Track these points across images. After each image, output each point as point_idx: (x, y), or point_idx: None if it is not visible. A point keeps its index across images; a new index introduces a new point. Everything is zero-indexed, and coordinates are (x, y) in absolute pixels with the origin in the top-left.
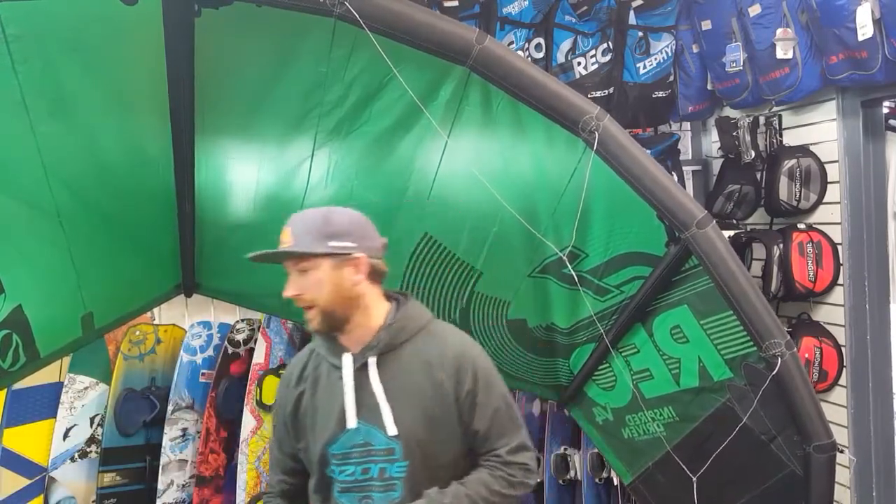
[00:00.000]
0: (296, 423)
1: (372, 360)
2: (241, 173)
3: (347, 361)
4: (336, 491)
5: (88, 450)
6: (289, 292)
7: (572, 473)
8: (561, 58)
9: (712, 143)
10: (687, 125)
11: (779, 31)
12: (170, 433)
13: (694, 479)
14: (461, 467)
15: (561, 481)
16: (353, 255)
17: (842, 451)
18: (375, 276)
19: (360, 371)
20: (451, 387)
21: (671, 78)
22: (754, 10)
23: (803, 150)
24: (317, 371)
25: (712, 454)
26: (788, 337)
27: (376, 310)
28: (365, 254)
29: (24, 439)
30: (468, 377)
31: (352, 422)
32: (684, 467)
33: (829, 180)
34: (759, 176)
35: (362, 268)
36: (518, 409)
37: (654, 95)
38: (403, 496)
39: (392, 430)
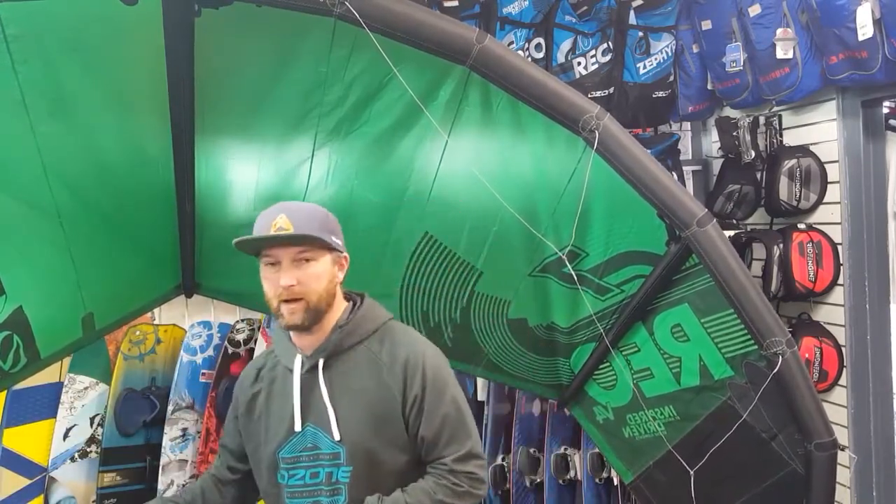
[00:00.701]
0: (248, 424)
1: (320, 363)
2: (241, 173)
3: (298, 363)
4: (285, 497)
5: (88, 450)
6: (287, 282)
7: (572, 473)
8: (561, 58)
9: (712, 143)
10: (687, 125)
11: (779, 31)
12: (170, 433)
13: (691, 472)
14: (408, 476)
15: (561, 481)
16: (344, 253)
17: (843, 450)
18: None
19: (311, 373)
20: (398, 391)
21: (671, 78)
22: (754, 10)
23: (803, 150)
24: (273, 372)
25: (713, 452)
26: (789, 335)
27: (337, 312)
28: (347, 255)
29: (25, 439)
30: (416, 381)
31: (298, 425)
32: (685, 464)
33: (829, 180)
34: (759, 176)
35: (345, 268)
36: (470, 414)
37: (654, 95)
38: (347, 502)
39: (336, 434)
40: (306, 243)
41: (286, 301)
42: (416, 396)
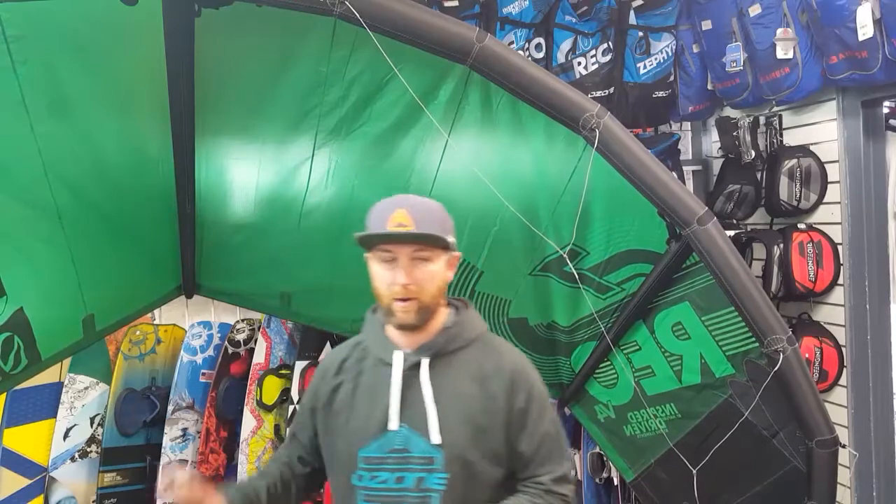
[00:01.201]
0: (326, 417)
1: (425, 362)
2: (241, 174)
3: (398, 359)
4: (360, 499)
5: (89, 450)
6: (406, 280)
7: (572, 473)
8: (561, 58)
9: (712, 143)
10: (687, 125)
11: (779, 31)
12: (170, 433)
13: (694, 471)
14: (501, 491)
15: None
16: (456, 253)
17: (843, 447)
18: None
19: (410, 372)
20: (503, 402)
21: (671, 78)
22: (754, 10)
23: (803, 150)
24: (360, 365)
25: (714, 450)
26: (790, 332)
27: (441, 313)
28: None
29: (25, 439)
30: (522, 395)
31: (394, 423)
32: (686, 462)
33: (829, 180)
34: (759, 176)
35: (454, 268)
36: (565, 436)
37: (654, 95)
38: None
39: (436, 437)
40: (426, 243)
41: (400, 299)
42: (521, 410)
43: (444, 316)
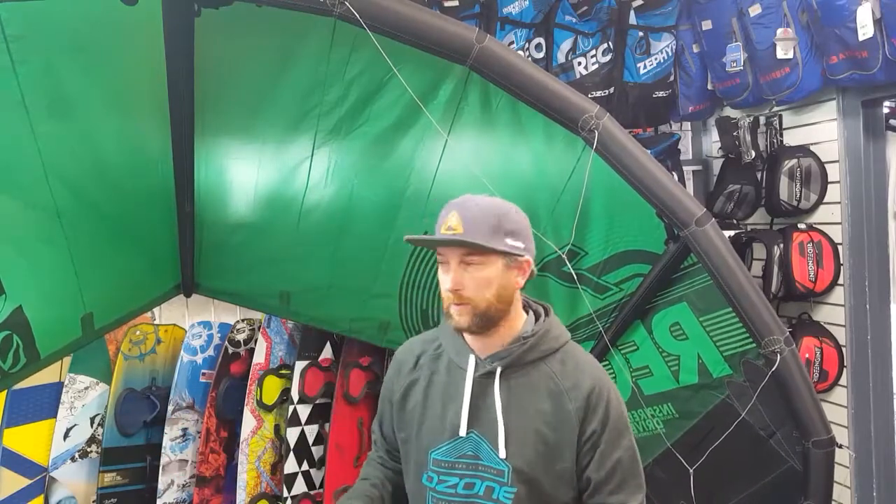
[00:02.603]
0: (401, 412)
1: (497, 371)
2: (240, 173)
3: (471, 364)
4: (430, 501)
5: (89, 450)
6: (451, 286)
7: None
8: (561, 58)
9: (713, 143)
10: (687, 125)
11: (779, 30)
12: (170, 433)
13: (691, 470)
14: None
15: None
16: (525, 257)
17: (840, 447)
18: (526, 283)
19: (484, 379)
20: (577, 421)
21: (671, 78)
22: (755, 10)
23: (804, 150)
24: (435, 364)
25: (711, 450)
26: (787, 333)
27: (516, 319)
28: (532, 258)
29: (25, 439)
30: (598, 415)
31: (463, 430)
32: (684, 462)
33: (829, 180)
34: (759, 176)
35: (527, 273)
36: (641, 465)
37: (654, 95)
38: None
39: (503, 451)
40: (469, 248)
41: (455, 304)
42: (595, 432)
43: (520, 322)
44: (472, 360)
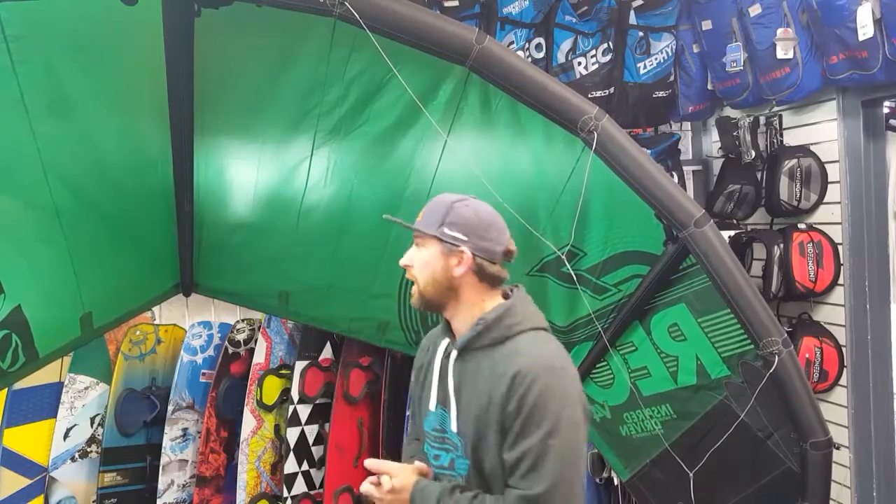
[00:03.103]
0: (415, 389)
1: (454, 354)
2: (240, 173)
3: (441, 348)
4: (433, 470)
5: (89, 450)
6: (402, 261)
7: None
8: (561, 58)
9: (713, 143)
10: (687, 125)
11: (779, 30)
12: (170, 433)
13: (690, 473)
14: None
15: None
16: (460, 248)
17: (838, 448)
18: (485, 276)
19: (447, 360)
20: (499, 404)
21: (671, 78)
22: (755, 10)
23: (804, 150)
24: (435, 347)
25: (710, 451)
26: (785, 335)
27: (476, 306)
28: (471, 251)
29: (25, 439)
30: (515, 399)
31: (432, 404)
32: (682, 463)
33: (829, 180)
34: (759, 176)
35: (466, 263)
36: (564, 459)
37: (654, 95)
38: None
39: (454, 425)
40: (416, 231)
41: (411, 281)
42: (510, 413)
43: (487, 310)
44: (443, 343)
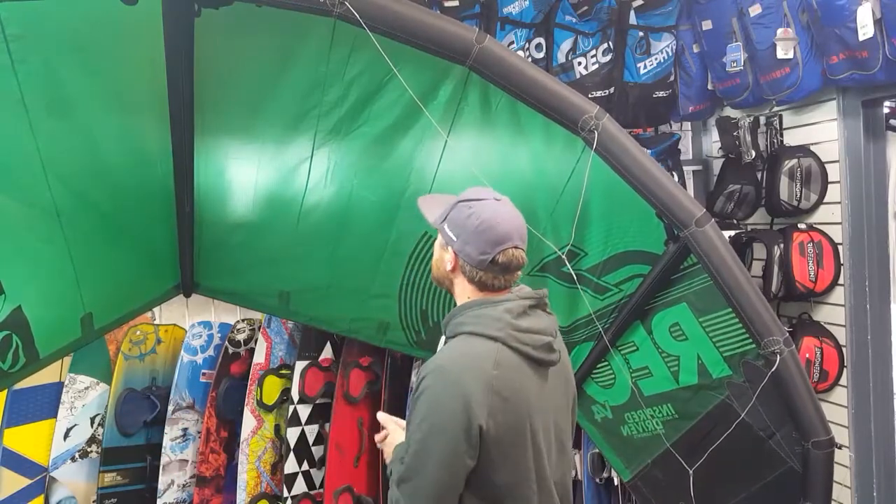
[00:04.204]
0: None
1: (442, 339)
2: (240, 173)
3: (444, 336)
4: None
5: (89, 450)
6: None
7: (573, 473)
8: (561, 58)
9: (713, 143)
10: (687, 125)
11: (779, 30)
12: (170, 433)
13: (691, 471)
14: None
15: None
16: (450, 246)
17: (840, 448)
18: (470, 279)
19: None
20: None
21: (672, 78)
22: (755, 10)
23: (804, 150)
24: None
25: (711, 451)
26: (787, 334)
27: (459, 298)
28: (458, 254)
29: (25, 439)
30: (413, 398)
31: None
32: (683, 462)
33: (829, 180)
34: (759, 176)
35: (454, 263)
36: (424, 453)
37: (654, 95)
38: None
39: None
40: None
41: None
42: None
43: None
44: None
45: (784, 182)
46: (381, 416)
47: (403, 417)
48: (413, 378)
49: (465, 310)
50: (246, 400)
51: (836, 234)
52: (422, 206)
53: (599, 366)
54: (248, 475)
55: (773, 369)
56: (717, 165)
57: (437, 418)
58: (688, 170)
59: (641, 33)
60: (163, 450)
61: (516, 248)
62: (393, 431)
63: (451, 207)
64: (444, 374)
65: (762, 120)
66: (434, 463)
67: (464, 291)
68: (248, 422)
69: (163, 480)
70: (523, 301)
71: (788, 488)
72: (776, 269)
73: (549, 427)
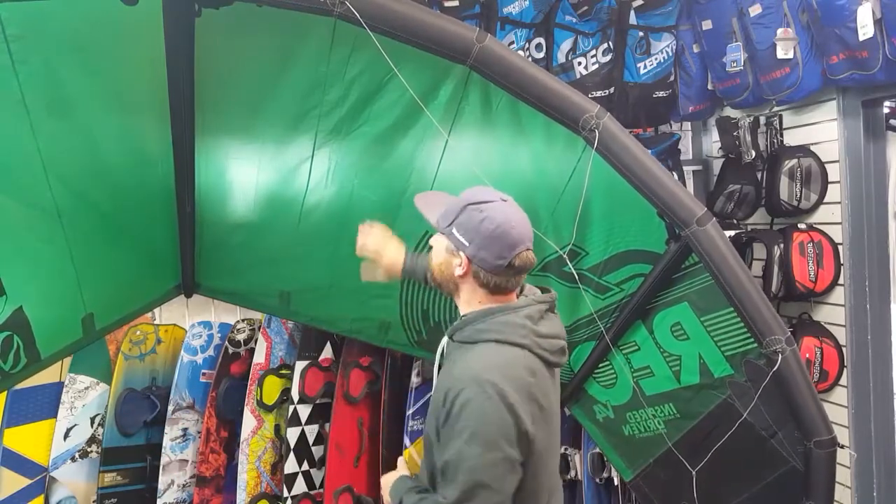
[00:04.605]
0: None
1: (444, 340)
2: (241, 173)
3: (446, 337)
4: None
5: (89, 450)
6: (431, 240)
7: (573, 473)
8: (561, 58)
9: (713, 142)
10: (687, 125)
11: (779, 30)
12: (170, 433)
13: (693, 471)
14: None
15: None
16: (461, 252)
17: (842, 447)
18: (482, 283)
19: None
20: (437, 410)
21: (672, 78)
22: (755, 10)
23: (804, 150)
24: None
25: (713, 450)
26: (789, 333)
27: (473, 307)
28: (470, 259)
29: (25, 439)
30: (444, 413)
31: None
32: (685, 462)
33: (829, 180)
34: (759, 176)
35: (466, 268)
36: (478, 470)
37: (654, 95)
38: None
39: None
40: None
41: None
42: (441, 423)
43: (466, 306)
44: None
45: (784, 182)
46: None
47: (403, 417)
48: (413, 378)
49: (486, 316)
50: (246, 400)
51: (836, 234)
52: (421, 206)
53: (601, 365)
54: (248, 475)
55: (774, 368)
56: (717, 165)
57: (488, 430)
58: (688, 170)
59: (641, 33)
60: (163, 450)
61: (528, 249)
62: (396, 471)
63: (460, 211)
64: (485, 384)
65: (762, 120)
66: (495, 476)
67: (473, 296)
68: (248, 422)
69: (163, 480)
70: (540, 306)
71: (790, 488)
72: (776, 269)
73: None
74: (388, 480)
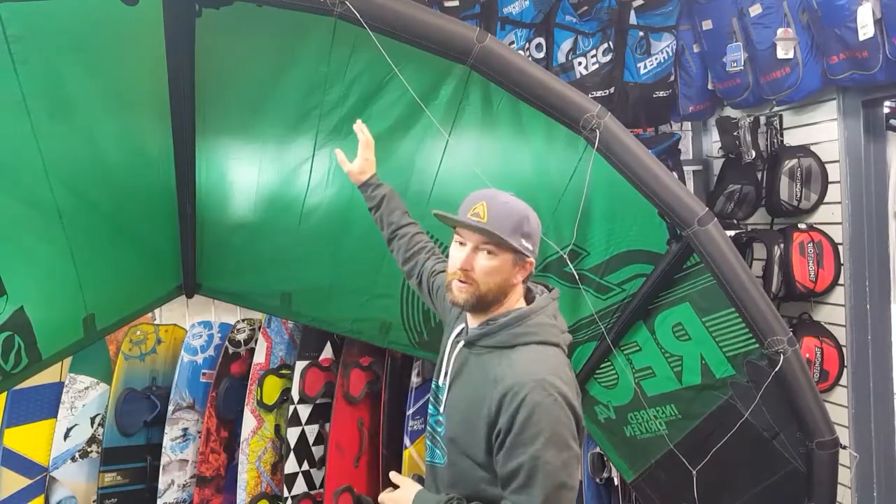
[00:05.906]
0: (444, 314)
1: (459, 344)
2: (241, 174)
3: (456, 331)
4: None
5: (89, 450)
6: (462, 264)
7: None
8: (562, 58)
9: (713, 142)
10: (688, 125)
11: (780, 30)
12: (170, 433)
13: (694, 471)
14: (485, 489)
15: None
16: (530, 258)
17: (843, 448)
18: (524, 282)
19: (455, 344)
20: (485, 416)
21: (672, 78)
22: (755, 10)
23: (804, 150)
24: (453, 322)
25: (714, 451)
26: (790, 333)
27: (505, 307)
28: (534, 260)
29: (25, 439)
30: (506, 417)
31: (441, 378)
32: (686, 463)
33: (829, 180)
34: (759, 176)
35: (528, 272)
36: (556, 475)
37: (654, 95)
38: (444, 468)
39: (442, 407)
40: (487, 238)
41: (460, 280)
42: (501, 430)
43: (502, 311)
44: (458, 328)
45: (784, 182)
46: (395, 477)
47: (403, 417)
48: (414, 378)
49: (522, 320)
50: (246, 400)
51: (837, 234)
52: (471, 222)
53: (602, 366)
54: (249, 475)
55: (776, 369)
56: (717, 165)
57: (560, 432)
58: (688, 170)
59: (641, 33)
60: (163, 450)
61: None
62: (404, 486)
63: (521, 221)
64: (548, 386)
65: (762, 120)
66: (570, 475)
67: (515, 297)
68: (249, 422)
69: (163, 480)
70: (555, 303)
71: (792, 489)
72: (776, 269)
73: None
74: (398, 499)
